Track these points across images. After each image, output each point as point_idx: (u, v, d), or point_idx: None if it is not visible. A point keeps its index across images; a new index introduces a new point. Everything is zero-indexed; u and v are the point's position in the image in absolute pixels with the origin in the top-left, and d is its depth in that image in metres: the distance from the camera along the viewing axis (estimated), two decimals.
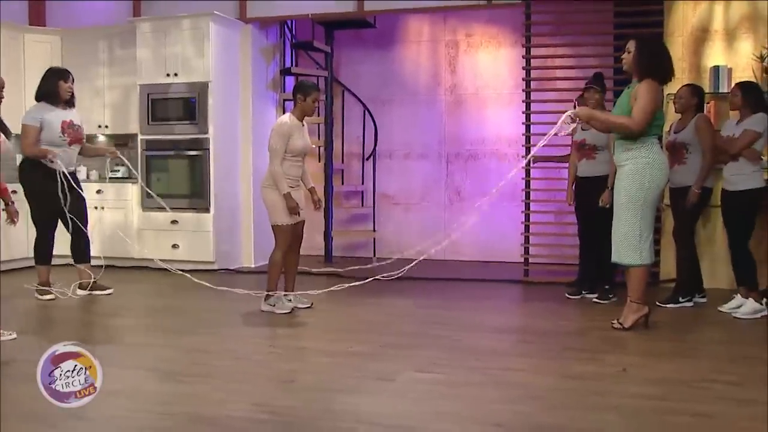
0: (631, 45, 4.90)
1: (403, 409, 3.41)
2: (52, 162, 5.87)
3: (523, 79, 7.24)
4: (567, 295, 6.21)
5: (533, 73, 7.27)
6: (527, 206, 7.18)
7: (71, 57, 8.24)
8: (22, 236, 7.64)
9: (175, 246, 7.66)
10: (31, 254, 7.74)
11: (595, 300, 6.00)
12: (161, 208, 7.57)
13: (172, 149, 7.70)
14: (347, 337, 4.87)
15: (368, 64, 8.81)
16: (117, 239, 7.76)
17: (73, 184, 6.08)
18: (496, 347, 4.61)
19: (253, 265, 8.03)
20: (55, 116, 5.95)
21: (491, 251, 8.37)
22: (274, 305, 5.51)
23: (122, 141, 8.44)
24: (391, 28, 8.72)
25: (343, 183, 8.90)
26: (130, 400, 3.49)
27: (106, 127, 8.25)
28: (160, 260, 6.46)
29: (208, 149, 7.58)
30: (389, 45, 8.80)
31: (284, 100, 8.59)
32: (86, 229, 6.25)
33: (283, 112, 8.54)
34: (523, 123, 7.17)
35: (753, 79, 6.08)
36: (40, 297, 6.06)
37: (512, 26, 8.19)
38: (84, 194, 6.31)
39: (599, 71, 6.19)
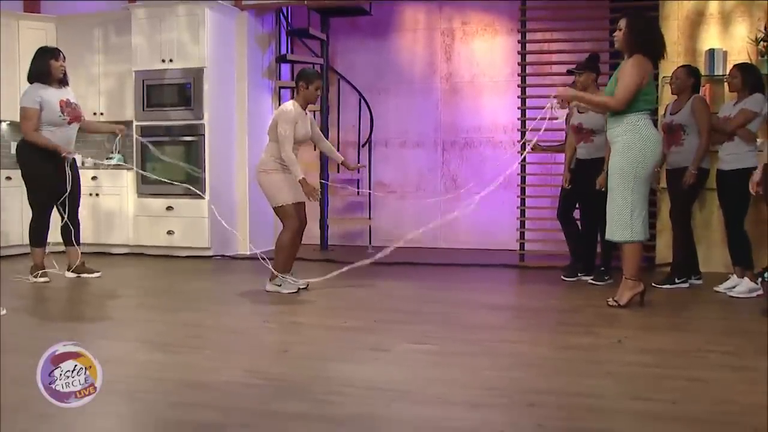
0: (622, 23, 4.91)
1: (397, 375, 3.40)
2: (66, 157, 5.98)
3: (518, 64, 7.24)
4: (563, 277, 6.21)
5: (529, 60, 7.27)
6: (523, 191, 7.17)
7: (66, 44, 8.13)
8: (17, 222, 7.65)
9: (170, 232, 7.64)
10: (25, 241, 7.80)
11: (590, 282, 5.99)
12: (156, 195, 7.60)
13: (167, 135, 7.67)
14: (342, 313, 4.86)
15: (364, 52, 8.81)
16: (112, 225, 7.77)
17: (71, 167, 6.13)
18: (491, 322, 4.60)
19: (248, 252, 7.99)
20: (52, 95, 5.92)
21: (487, 239, 8.35)
22: (280, 285, 5.47)
23: None
24: (386, 16, 8.72)
25: (338, 171, 8.85)
26: (124, 368, 3.46)
27: (102, 114, 8.22)
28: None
29: (204, 135, 7.56)
30: (385, 33, 8.79)
31: (280, 88, 8.58)
32: (78, 212, 6.27)
33: (279, 100, 8.57)
34: (518, 107, 7.18)
35: (748, 62, 6.09)
36: (34, 279, 6.03)
37: (508, 14, 8.19)
38: (80, 178, 6.30)
39: (595, 53, 6.19)
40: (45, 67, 5.92)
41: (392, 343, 3.97)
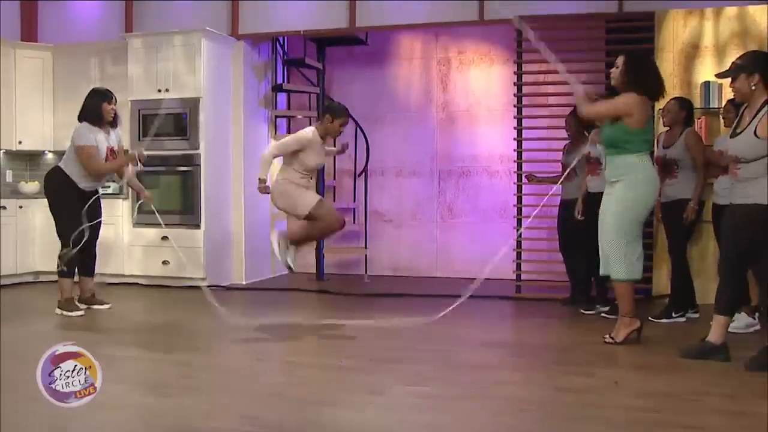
0: (619, 60, 4.91)
1: (392, 421, 3.37)
2: (147, 199, 6.30)
3: (514, 95, 7.25)
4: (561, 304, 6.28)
5: (525, 91, 7.27)
6: (519, 223, 7.15)
7: (63, 73, 8.25)
8: (11, 253, 7.63)
9: (165, 262, 7.60)
10: (20, 271, 7.79)
11: (585, 311, 6.05)
12: (152, 225, 7.59)
13: (163, 165, 7.65)
14: (336, 351, 4.82)
15: (360, 82, 8.82)
16: (108, 255, 7.71)
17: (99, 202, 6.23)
18: (486, 361, 4.56)
19: (243, 282, 7.97)
20: (102, 140, 5.98)
21: (483, 268, 8.28)
22: (287, 248, 5.42)
23: None
24: (383, 45, 8.74)
25: (335, 200, 8.86)
26: (113, 413, 3.42)
27: None
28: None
29: (199, 165, 7.54)
30: (381, 62, 8.81)
31: (276, 117, 8.58)
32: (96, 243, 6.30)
33: (275, 129, 8.58)
34: (514, 139, 7.18)
35: None
36: (70, 313, 5.96)
37: (504, 44, 8.21)
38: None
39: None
40: (98, 110, 5.97)
41: (387, 385, 3.92)
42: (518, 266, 7.14)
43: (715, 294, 4.57)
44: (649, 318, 5.67)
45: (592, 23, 7.23)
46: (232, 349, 4.94)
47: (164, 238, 7.59)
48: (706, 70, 6.60)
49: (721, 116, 5.94)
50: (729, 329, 5.30)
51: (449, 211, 8.64)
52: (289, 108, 8.87)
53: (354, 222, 8.78)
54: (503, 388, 3.90)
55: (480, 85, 8.55)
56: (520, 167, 7.18)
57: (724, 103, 6.07)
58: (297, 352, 4.86)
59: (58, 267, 6.02)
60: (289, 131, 8.76)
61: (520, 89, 7.21)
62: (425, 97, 8.72)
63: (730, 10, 6.58)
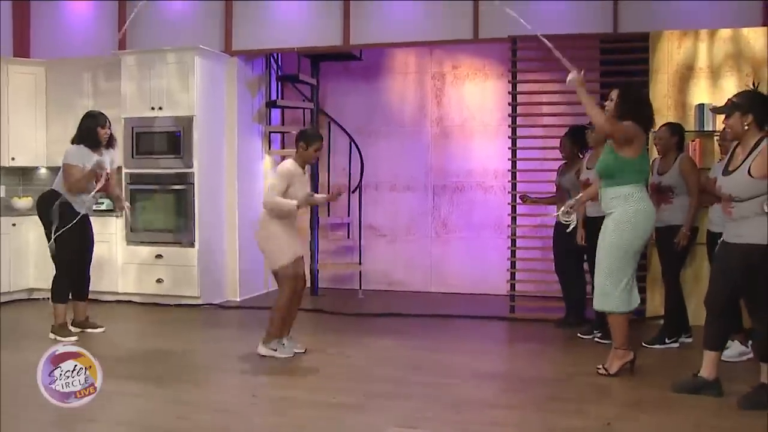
0: (613, 93, 4.93)
1: None
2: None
3: (509, 115, 7.23)
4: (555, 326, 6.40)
5: (519, 107, 7.25)
6: (513, 243, 7.15)
7: (55, 88, 8.21)
8: (5, 271, 7.61)
9: (159, 280, 7.59)
10: (13, 288, 7.78)
11: (582, 336, 6.09)
12: (145, 243, 7.59)
13: (156, 183, 7.64)
14: (330, 384, 4.79)
15: (354, 96, 8.80)
16: (101, 272, 7.68)
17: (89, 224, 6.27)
18: (480, 397, 4.55)
19: (238, 299, 7.97)
20: (92, 162, 5.99)
21: (478, 283, 8.31)
22: (275, 350, 5.41)
23: None
24: (377, 60, 8.71)
25: (329, 215, 8.86)
26: None
27: None
28: None
29: (193, 183, 7.52)
30: (375, 77, 8.79)
31: (270, 133, 8.56)
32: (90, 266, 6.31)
33: (269, 144, 8.56)
34: (509, 159, 7.17)
35: None
36: (63, 339, 5.88)
37: (499, 58, 8.20)
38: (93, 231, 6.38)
39: (578, 126, 6.18)
40: (92, 133, 6.04)
41: (380, 427, 3.93)
42: (512, 287, 7.14)
43: (704, 329, 4.59)
44: (642, 344, 5.68)
45: (587, 43, 7.22)
46: (226, 381, 4.93)
47: (158, 256, 7.59)
48: (701, 92, 6.60)
49: (717, 142, 5.95)
50: (722, 358, 5.35)
51: (444, 226, 8.64)
52: (283, 123, 8.84)
53: (348, 237, 8.78)
54: (497, 431, 3.90)
55: (474, 100, 8.54)
56: (514, 187, 7.17)
57: (718, 125, 6.08)
58: (291, 386, 4.83)
59: (51, 293, 6.03)
60: (283, 146, 8.76)
61: (514, 109, 7.19)
62: (420, 111, 8.70)
63: (725, 32, 6.57)
